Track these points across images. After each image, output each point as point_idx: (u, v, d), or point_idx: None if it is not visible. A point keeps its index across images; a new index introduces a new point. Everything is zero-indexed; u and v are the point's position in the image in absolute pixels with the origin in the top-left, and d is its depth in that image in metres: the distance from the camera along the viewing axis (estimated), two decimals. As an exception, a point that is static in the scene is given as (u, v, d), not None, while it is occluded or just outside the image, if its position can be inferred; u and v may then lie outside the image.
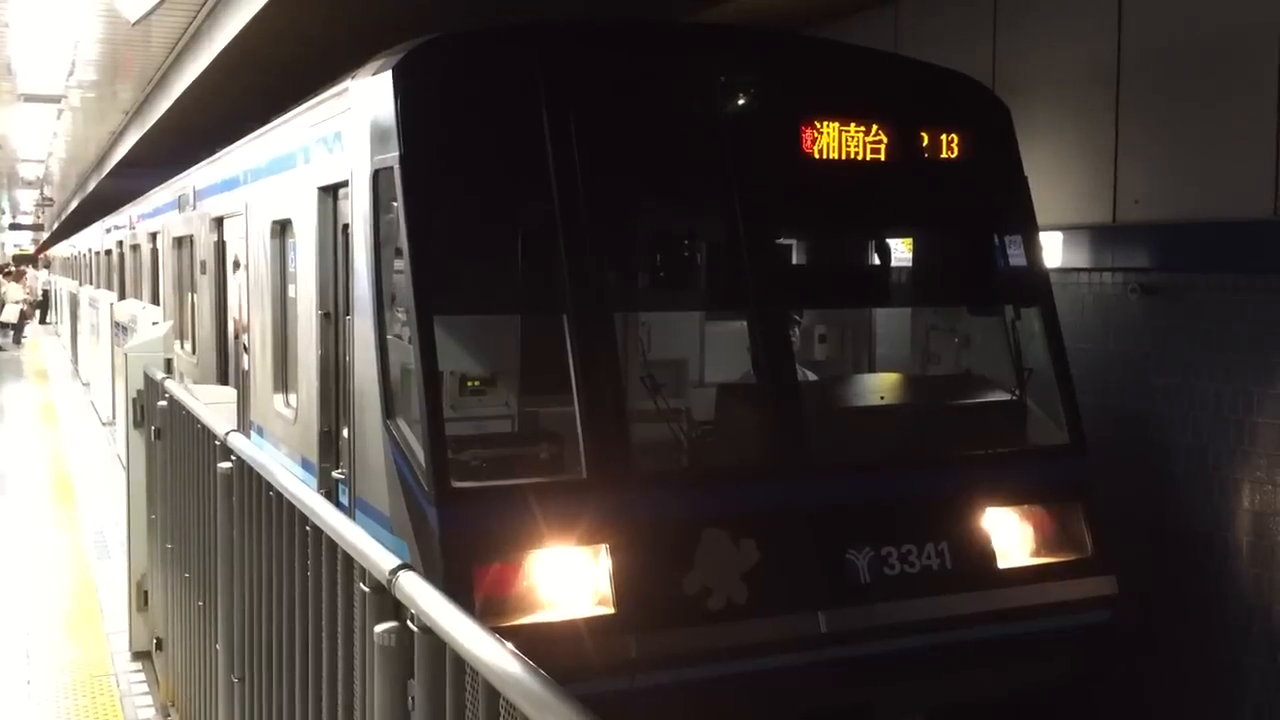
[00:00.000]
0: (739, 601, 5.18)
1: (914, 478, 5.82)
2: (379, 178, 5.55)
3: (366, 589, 2.51)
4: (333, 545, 2.85)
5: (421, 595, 2.24)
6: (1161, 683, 7.12)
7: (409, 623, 2.30)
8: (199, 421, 4.89)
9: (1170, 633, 7.03)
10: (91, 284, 26.81)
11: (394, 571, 2.36)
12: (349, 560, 2.71)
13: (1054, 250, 7.45)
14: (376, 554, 2.51)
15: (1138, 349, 7.14)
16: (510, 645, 1.89)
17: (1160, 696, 7.14)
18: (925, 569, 5.54)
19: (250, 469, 3.79)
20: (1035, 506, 5.94)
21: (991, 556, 5.69)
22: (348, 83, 6.10)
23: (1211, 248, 6.71)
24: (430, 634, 2.17)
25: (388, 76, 5.45)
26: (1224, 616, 6.72)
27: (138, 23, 9.80)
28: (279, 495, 3.39)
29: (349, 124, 6.01)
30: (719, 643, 5.12)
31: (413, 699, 2.27)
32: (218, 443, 4.35)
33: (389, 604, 2.39)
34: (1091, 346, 7.32)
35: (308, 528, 3.08)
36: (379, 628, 2.36)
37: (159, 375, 6.47)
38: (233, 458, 4.14)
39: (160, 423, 6.23)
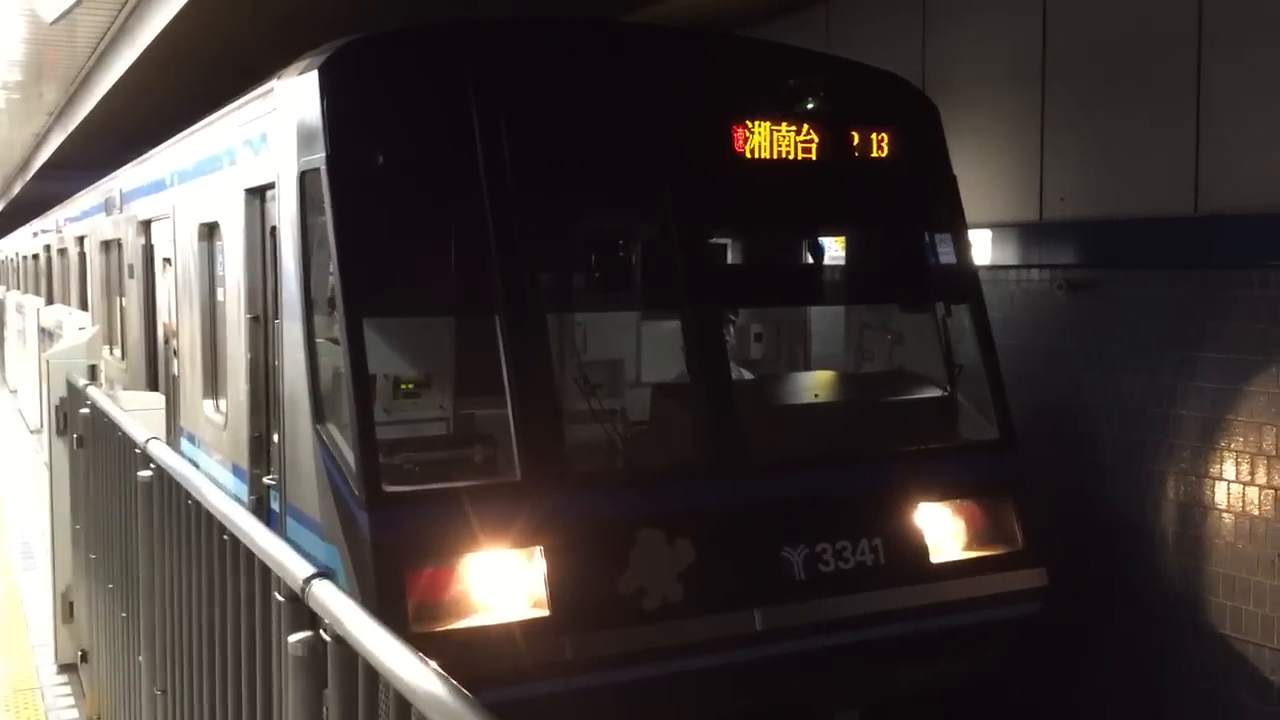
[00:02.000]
0: (675, 601, 5.18)
1: (848, 474, 5.86)
2: (305, 179, 5.47)
3: (281, 598, 2.46)
4: (250, 554, 2.79)
5: (334, 604, 2.19)
6: (1089, 672, 7.25)
7: (322, 633, 2.26)
8: (120, 429, 4.78)
9: (1098, 622, 7.15)
10: (19, 289, 26.19)
11: (308, 580, 2.31)
12: (266, 569, 2.65)
13: (983, 248, 7.54)
14: (291, 562, 2.46)
15: (1065, 344, 7.26)
16: (421, 654, 1.85)
17: (1088, 685, 7.26)
18: (859, 565, 5.58)
19: (170, 477, 3.71)
20: (967, 501, 6.01)
21: (924, 551, 5.75)
22: (273, 83, 6.00)
23: (1134, 244, 6.84)
24: (343, 644, 2.13)
25: (313, 76, 5.38)
26: (1151, 606, 6.84)
27: (55, 22, 9.58)
28: (198, 504, 3.32)
29: (275, 125, 5.91)
30: (655, 643, 5.12)
31: (327, 709, 2.22)
32: (138, 451, 4.26)
33: (304, 613, 2.34)
34: (1020, 342, 7.43)
35: (225, 537, 3.02)
36: (293, 638, 2.31)
37: (81, 382, 6.32)
38: (152, 466, 4.05)
39: (83, 430, 6.09)
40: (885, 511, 5.73)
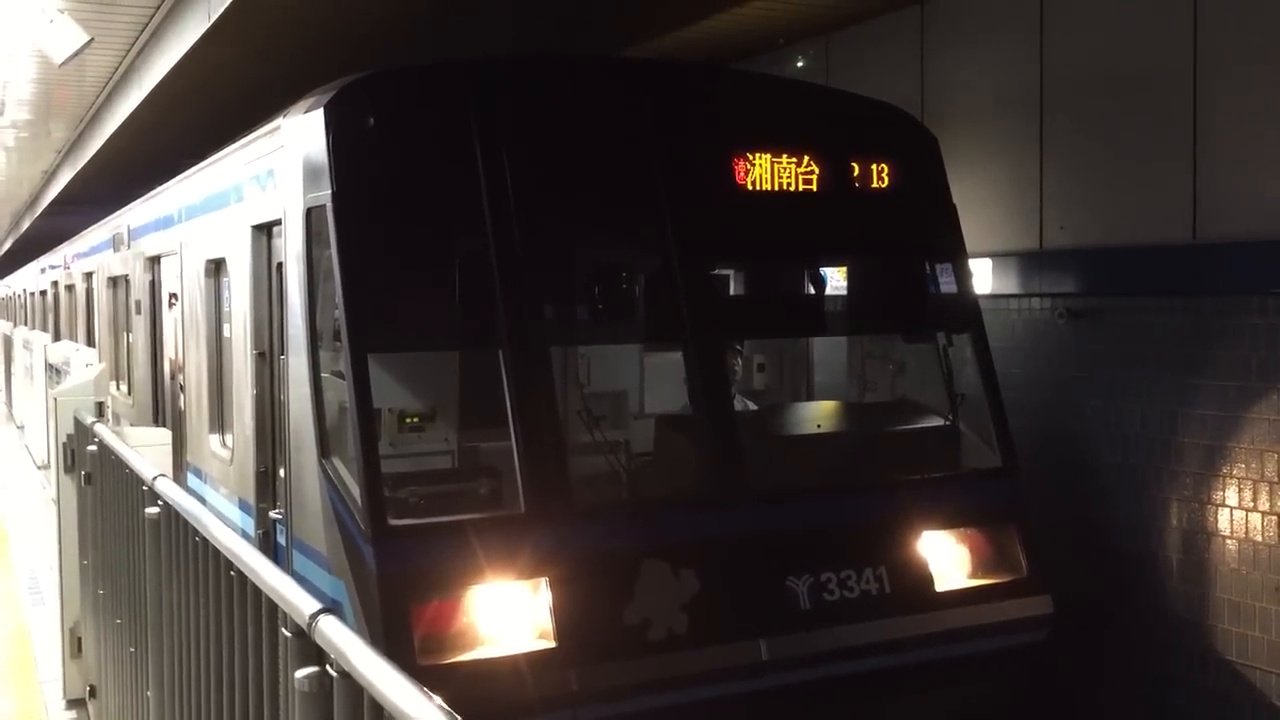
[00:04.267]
0: (680, 631, 5.19)
1: (851, 503, 5.88)
2: (312, 216, 5.53)
3: (288, 634, 2.49)
4: (257, 590, 2.82)
5: (340, 639, 2.23)
6: (1094, 699, 7.22)
7: (328, 668, 2.29)
8: (128, 466, 4.82)
9: (1103, 649, 7.14)
10: (27, 325, 26.31)
11: (314, 616, 2.35)
12: (273, 605, 2.69)
13: (984, 277, 7.59)
14: (297, 598, 2.49)
15: (1067, 372, 7.29)
16: (425, 690, 1.88)
17: (1093, 713, 7.23)
18: (864, 593, 5.58)
19: (177, 514, 3.75)
20: (971, 529, 6.02)
21: (929, 579, 5.76)
22: (280, 120, 6.08)
23: (1134, 272, 6.88)
24: (349, 679, 2.16)
25: (319, 114, 5.45)
26: (1155, 632, 6.84)
27: (64, 64, 9.71)
28: (205, 540, 3.36)
29: (281, 162, 5.98)
30: (661, 674, 5.13)
31: (334, 744, 2.25)
32: (145, 487, 4.30)
33: (310, 649, 2.37)
34: (1022, 370, 7.46)
35: (233, 572, 3.05)
36: (299, 673, 2.34)
37: (89, 419, 6.37)
38: (160, 502, 4.09)
39: (90, 467, 6.13)
40: (889, 540, 5.74)
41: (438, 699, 1.86)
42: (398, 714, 1.87)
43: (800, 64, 9.54)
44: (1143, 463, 6.83)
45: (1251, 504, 6.27)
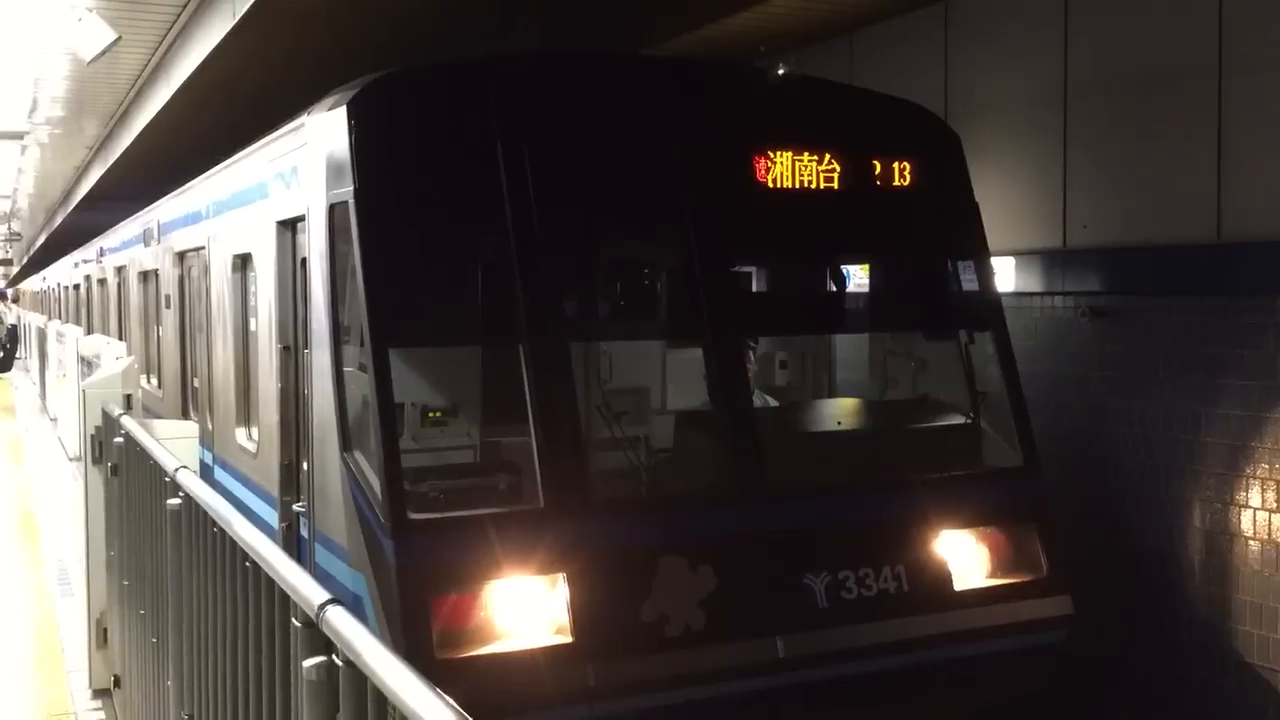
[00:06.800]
0: (697, 628, 5.20)
1: (871, 501, 5.87)
2: (335, 212, 5.58)
3: (298, 624, 2.53)
4: (271, 581, 2.87)
5: (346, 630, 2.26)
6: (1116, 700, 7.18)
7: (335, 658, 2.32)
8: (151, 458, 4.89)
9: (1125, 650, 7.09)
10: (60, 318, 26.64)
11: (322, 606, 2.38)
12: (284, 596, 2.73)
13: (1007, 275, 7.56)
14: (307, 589, 2.53)
15: (1090, 370, 7.25)
16: (426, 679, 1.91)
17: (1116, 714, 7.19)
18: (883, 592, 5.58)
19: (196, 505, 3.80)
20: (991, 528, 6.00)
21: (948, 578, 5.74)
22: (304, 118, 6.13)
23: (1157, 271, 6.84)
24: (354, 668, 2.19)
25: (342, 112, 5.50)
26: (1177, 633, 6.79)
27: (93, 61, 9.84)
28: (222, 531, 3.40)
29: (305, 159, 6.04)
30: (677, 670, 5.14)
31: (341, 733, 2.28)
32: (167, 479, 4.36)
33: (319, 639, 2.41)
34: (1045, 369, 7.42)
35: (248, 563, 3.09)
36: (307, 662, 2.37)
37: (116, 411, 6.45)
38: (181, 494, 4.14)
39: (117, 459, 6.21)
40: (908, 538, 5.73)
41: (437, 689, 1.88)
42: (398, 702, 1.90)
43: (824, 62, 9.52)
44: (1165, 462, 6.78)
45: (1275, 505, 6.21)
